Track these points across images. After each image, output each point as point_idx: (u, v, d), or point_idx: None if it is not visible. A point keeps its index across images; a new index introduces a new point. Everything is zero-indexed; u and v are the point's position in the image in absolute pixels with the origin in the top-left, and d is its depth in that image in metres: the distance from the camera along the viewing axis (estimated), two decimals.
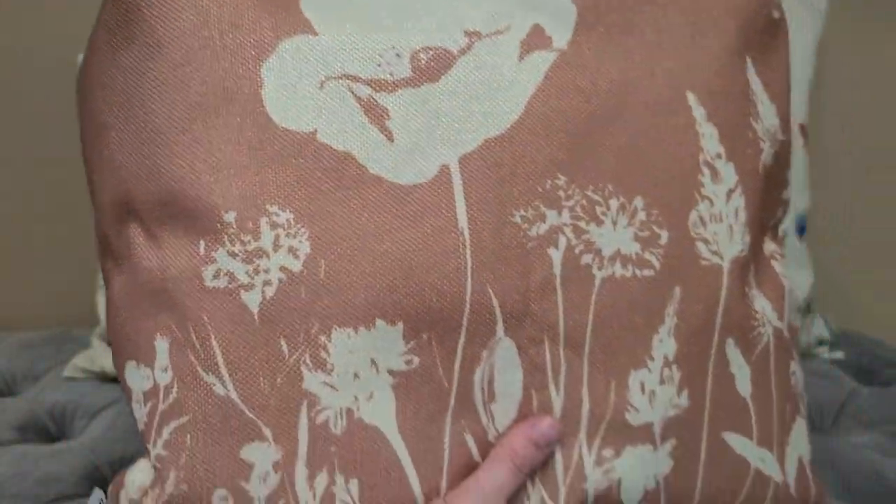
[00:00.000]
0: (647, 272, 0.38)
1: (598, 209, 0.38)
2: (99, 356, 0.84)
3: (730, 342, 0.41)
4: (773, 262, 0.47)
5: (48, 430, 0.76)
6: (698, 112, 0.40)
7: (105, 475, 0.67)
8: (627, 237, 0.38)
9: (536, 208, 0.37)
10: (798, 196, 0.95)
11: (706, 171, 0.40)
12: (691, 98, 0.40)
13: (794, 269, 0.92)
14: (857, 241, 1.11)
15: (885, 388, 0.85)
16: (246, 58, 0.35)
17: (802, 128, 0.96)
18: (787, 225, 0.91)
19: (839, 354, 0.95)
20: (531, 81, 0.37)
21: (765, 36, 0.44)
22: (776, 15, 0.45)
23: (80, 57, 0.93)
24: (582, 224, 0.37)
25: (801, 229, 0.95)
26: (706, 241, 0.40)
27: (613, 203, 0.38)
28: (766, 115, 0.43)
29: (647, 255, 0.38)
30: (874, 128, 1.10)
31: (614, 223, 0.38)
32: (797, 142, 0.94)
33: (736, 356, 0.41)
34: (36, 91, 1.01)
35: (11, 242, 1.05)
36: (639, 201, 0.39)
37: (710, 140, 0.40)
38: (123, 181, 0.36)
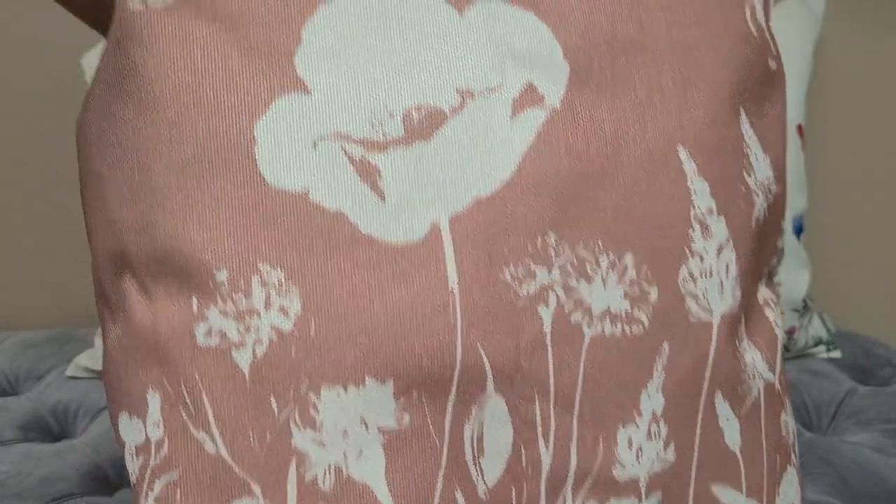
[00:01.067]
0: (637, 329, 0.39)
1: (589, 266, 0.38)
2: (101, 356, 0.84)
3: (718, 396, 0.41)
4: (767, 311, 0.47)
5: (51, 428, 0.77)
6: (689, 167, 0.40)
7: (107, 474, 0.68)
8: (617, 295, 0.38)
9: (527, 267, 0.37)
10: (796, 196, 0.95)
11: (697, 226, 0.40)
12: (682, 153, 0.40)
13: (791, 268, 0.93)
14: (854, 240, 1.11)
15: (882, 388, 0.85)
16: (240, 117, 0.35)
17: (800, 128, 0.96)
18: (785, 225, 0.91)
19: (837, 354, 0.95)
20: (523, 140, 0.37)
21: (761, 87, 0.44)
22: (773, 66, 0.45)
23: (83, 58, 0.93)
24: (572, 282, 0.38)
25: (799, 229, 0.96)
26: (696, 297, 0.40)
27: (604, 260, 0.38)
28: (760, 168, 0.44)
29: (636, 313, 0.39)
30: (872, 128, 1.10)
31: (604, 281, 0.38)
32: (795, 142, 0.95)
33: (725, 409, 0.41)
34: (37, 91, 1.02)
35: (14, 242, 1.05)
36: (629, 258, 0.39)
37: (701, 195, 0.41)
38: (118, 234, 0.37)
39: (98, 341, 0.88)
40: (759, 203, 0.43)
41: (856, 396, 0.82)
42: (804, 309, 0.95)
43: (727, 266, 0.41)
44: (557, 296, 0.37)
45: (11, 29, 1.01)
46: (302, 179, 0.35)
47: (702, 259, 0.40)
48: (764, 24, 0.45)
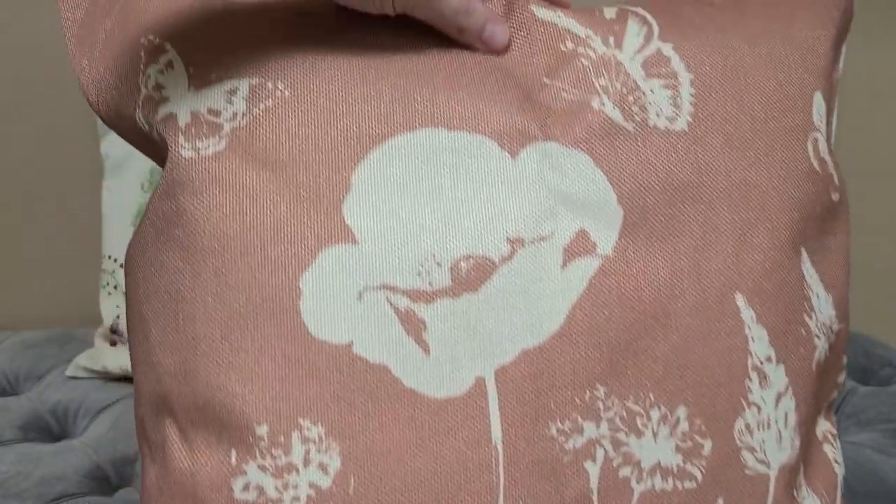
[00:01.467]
0: (689, 484, 0.37)
1: (639, 420, 0.37)
2: (101, 356, 0.85)
3: None
4: (826, 447, 0.45)
5: (51, 429, 0.77)
6: (747, 314, 0.39)
7: (107, 474, 0.68)
8: (669, 448, 0.37)
9: (574, 421, 0.36)
10: None
11: (754, 376, 0.39)
12: (740, 300, 0.39)
13: None
14: (855, 241, 1.09)
15: (882, 388, 0.84)
16: (286, 269, 0.35)
17: None
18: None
19: None
20: (573, 290, 0.36)
21: (822, 222, 0.42)
22: (836, 198, 0.43)
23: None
24: (621, 436, 0.36)
25: None
26: (752, 450, 0.38)
27: (655, 414, 0.37)
28: (822, 308, 0.42)
29: (688, 467, 0.37)
30: (872, 128, 1.10)
31: (655, 434, 0.37)
32: None
33: None
34: (37, 91, 1.02)
35: (14, 242, 1.06)
36: (681, 411, 0.37)
37: (759, 343, 0.39)
38: (160, 377, 0.36)
39: (98, 340, 0.88)
40: (821, 346, 0.41)
41: (856, 396, 0.81)
42: None
43: (786, 415, 0.39)
44: (605, 450, 0.36)
45: (11, 29, 1.00)
46: (346, 332, 0.35)
47: (759, 410, 0.39)
48: (827, 157, 0.43)
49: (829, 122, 0.44)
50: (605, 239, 0.37)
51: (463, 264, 0.36)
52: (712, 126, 0.40)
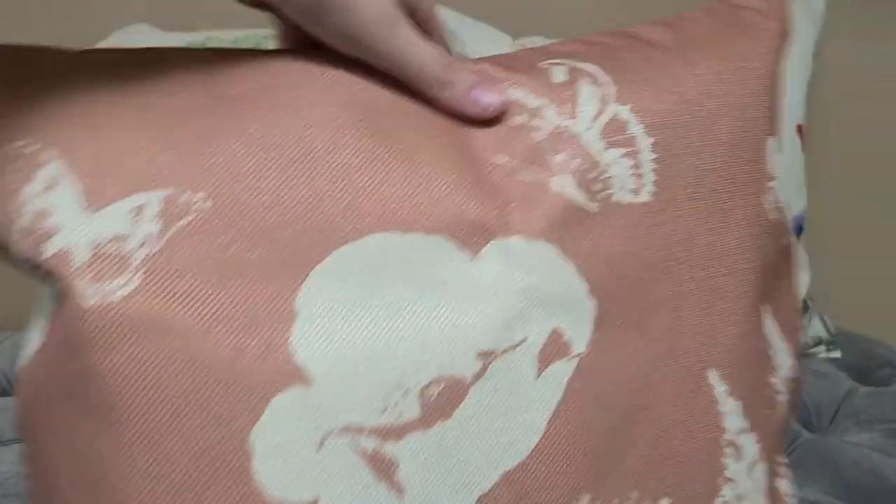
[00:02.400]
0: None
1: None
2: None
3: None
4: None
5: None
6: (720, 390, 0.37)
7: None
8: None
9: None
10: (796, 196, 0.95)
11: (729, 451, 0.37)
12: (713, 377, 0.37)
13: None
14: (854, 240, 1.13)
15: (882, 388, 0.85)
16: (231, 427, 0.30)
17: (800, 128, 0.95)
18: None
19: (837, 354, 0.95)
20: (551, 399, 0.33)
21: (778, 270, 0.41)
22: (786, 242, 0.42)
23: None
24: None
25: (799, 229, 0.95)
26: None
27: None
28: (783, 363, 0.41)
29: None
30: (872, 128, 1.11)
31: None
32: (795, 142, 0.94)
33: None
34: None
35: None
36: (664, 502, 0.36)
37: (732, 417, 0.38)
38: None
39: None
40: (783, 400, 0.41)
41: (856, 396, 0.82)
42: (804, 309, 0.94)
43: (759, 480, 0.39)
44: None
45: (12, 29, 0.98)
46: (310, 488, 0.30)
47: (736, 484, 0.38)
48: (781, 202, 0.41)
49: (778, 161, 0.42)
50: (579, 336, 0.34)
51: (432, 389, 0.32)
52: (676, 192, 0.37)
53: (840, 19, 1.04)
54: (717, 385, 0.37)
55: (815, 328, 0.96)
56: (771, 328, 0.40)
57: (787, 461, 0.46)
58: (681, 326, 0.36)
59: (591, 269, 0.35)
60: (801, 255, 0.94)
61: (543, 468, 0.33)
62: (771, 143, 0.40)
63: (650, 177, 0.36)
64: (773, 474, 0.40)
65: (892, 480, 0.66)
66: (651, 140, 0.36)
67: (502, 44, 0.98)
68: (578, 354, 0.34)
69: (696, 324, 0.37)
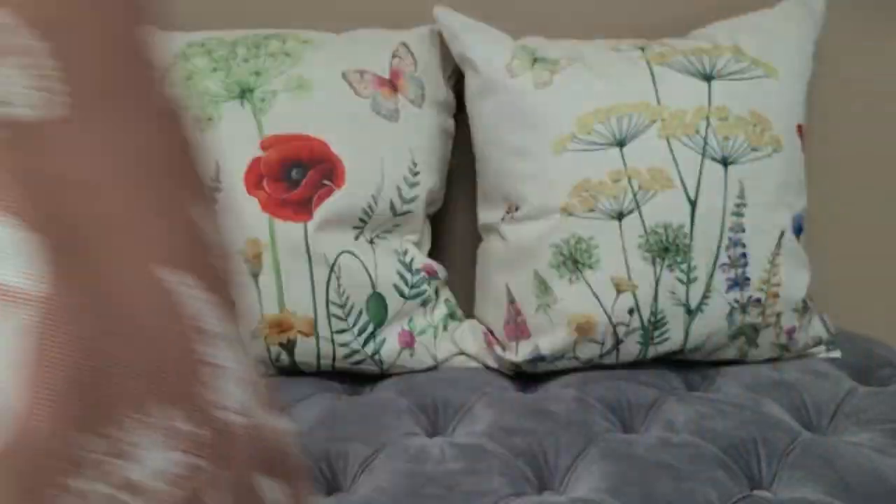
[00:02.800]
0: None
1: None
2: None
3: None
4: None
5: None
6: None
7: None
8: None
9: None
10: (796, 196, 0.95)
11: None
12: None
13: (791, 268, 0.93)
14: (854, 240, 1.13)
15: (882, 388, 0.86)
16: None
17: (800, 128, 0.95)
18: (787, 224, 0.92)
19: (836, 354, 0.96)
20: None
21: None
22: None
23: None
24: None
25: (799, 229, 0.95)
26: None
27: None
28: None
29: None
30: (872, 128, 1.11)
31: None
32: (795, 142, 0.93)
33: None
34: None
35: None
36: None
37: None
38: None
39: None
40: None
41: (856, 396, 0.83)
42: (804, 309, 0.94)
43: None
44: None
45: None
46: None
47: None
48: None
49: None
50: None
51: None
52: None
53: (840, 19, 1.04)
54: None
55: (816, 328, 0.96)
56: None
57: None
58: None
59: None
60: (801, 255, 0.94)
61: None
62: None
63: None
64: None
65: (891, 480, 0.66)
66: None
67: (502, 44, 0.98)
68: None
69: None
